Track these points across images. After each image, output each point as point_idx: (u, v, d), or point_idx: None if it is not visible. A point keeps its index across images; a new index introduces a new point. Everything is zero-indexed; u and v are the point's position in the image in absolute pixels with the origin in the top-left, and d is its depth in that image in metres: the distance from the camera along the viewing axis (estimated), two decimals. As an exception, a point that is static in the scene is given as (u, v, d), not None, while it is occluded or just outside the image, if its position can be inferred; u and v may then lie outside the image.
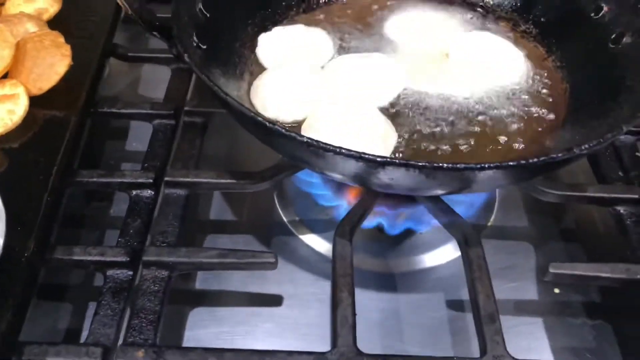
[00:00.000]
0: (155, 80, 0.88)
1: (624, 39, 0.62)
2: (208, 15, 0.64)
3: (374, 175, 0.50)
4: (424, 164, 0.46)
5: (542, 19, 0.73)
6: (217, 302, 0.66)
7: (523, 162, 0.45)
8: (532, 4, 0.74)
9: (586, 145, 0.47)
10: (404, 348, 0.60)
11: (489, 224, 0.74)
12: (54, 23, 0.78)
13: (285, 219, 0.74)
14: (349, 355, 0.50)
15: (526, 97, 0.66)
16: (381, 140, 0.60)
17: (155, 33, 0.57)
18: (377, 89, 0.66)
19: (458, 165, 0.47)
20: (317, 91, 0.65)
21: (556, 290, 0.67)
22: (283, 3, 0.76)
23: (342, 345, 0.50)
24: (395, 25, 0.76)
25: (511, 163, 0.46)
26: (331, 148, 0.48)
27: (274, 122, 0.51)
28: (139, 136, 0.81)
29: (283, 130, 0.50)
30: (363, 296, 0.61)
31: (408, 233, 0.70)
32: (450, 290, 0.67)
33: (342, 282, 0.55)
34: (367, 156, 0.45)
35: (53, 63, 0.70)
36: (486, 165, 0.46)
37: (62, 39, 0.72)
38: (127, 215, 0.63)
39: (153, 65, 0.84)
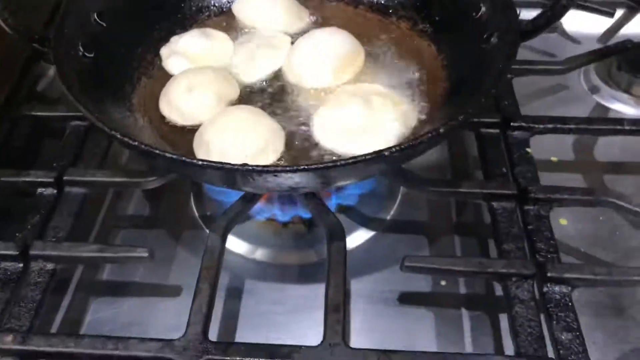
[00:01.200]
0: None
1: (492, 39, 0.63)
2: (104, 24, 0.68)
3: (238, 182, 0.54)
4: (274, 169, 0.50)
5: (436, 18, 0.74)
6: (121, 293, 0.71)
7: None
8: (429, 4, 0.75)
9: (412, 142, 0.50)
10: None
11: (389, 217, 0.76)
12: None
13: (196, 214, 0.78)
14: (194, 343, 0.53)
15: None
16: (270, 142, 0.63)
17: (34, 45, 0.62)
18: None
19: (303, 167, 0.50)
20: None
21: (442, 283, 0.69)
22: (192, 6, 0.80)
23: (191, 333, 0.54)
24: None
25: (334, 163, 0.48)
26: (189, 161, 0.51)
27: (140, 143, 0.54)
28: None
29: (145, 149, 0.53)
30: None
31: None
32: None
33: (206, 274, 0.58)
34: (223, 166, 0.49)
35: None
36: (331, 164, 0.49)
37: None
38: (28, 212, 0.68)
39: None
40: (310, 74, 0.69)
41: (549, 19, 0.59)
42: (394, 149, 0.50)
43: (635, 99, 0.88)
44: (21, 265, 0.62)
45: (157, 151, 0.52)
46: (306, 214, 0.71)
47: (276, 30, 0.77)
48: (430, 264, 0.59)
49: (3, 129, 0.75)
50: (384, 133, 0.62)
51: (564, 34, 1.00)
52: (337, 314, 0.54)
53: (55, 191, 0.69)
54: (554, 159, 0.81)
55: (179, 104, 0.67)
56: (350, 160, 0.50)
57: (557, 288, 0.57)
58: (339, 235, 0.61)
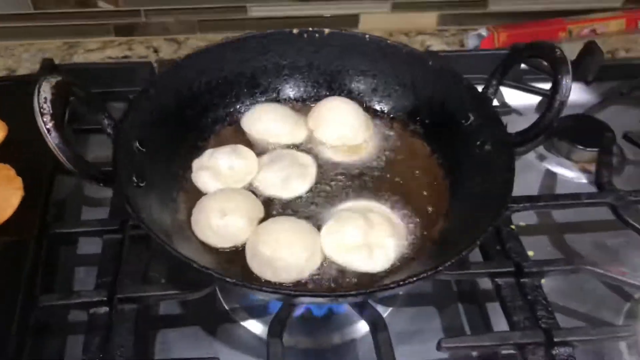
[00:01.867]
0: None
1: (485, 147, 0.77)
2: (144, 150, 0.75)
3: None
4: (327, 295, 0.60)
5: (426, 121, 0.88)
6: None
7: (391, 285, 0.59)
8: (418, 109, 0.89)
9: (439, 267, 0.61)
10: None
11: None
12: (1, 149, 0.87)
13: (226, 307, 0.85)
14: None
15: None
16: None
17: (100, 184, 0.68)
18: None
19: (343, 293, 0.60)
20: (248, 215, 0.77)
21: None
22: (209, 120, 0.88)
23: None
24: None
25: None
26: (247, 285, 0.60)
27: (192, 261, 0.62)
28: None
29: (205, 270, 0.61)
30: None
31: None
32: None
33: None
34: (280, 290, 0.58)
35: (7, 197, 0.79)
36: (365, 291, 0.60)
37: (12, 172, 0.81)
38: (87, 332, 0.72)
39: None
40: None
41: (537, 133, 0.73)
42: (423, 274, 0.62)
43: (575, 165, 1.06)
44: (95, 388, 0.67)
45: (234, 281, 0.60)
46: (341, 309, 0.80)
47: (284, 143, 0.87)
48: (463, 343, 0.71)
49: (43, 253, 0.79)
50: (384, 248, 0.74)
51: (504, 105, 1.16)
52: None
53: (107, 309, 0.74)
54: (522, 223, 0.97)
55: (215, 228, 0.75)
56: (390, 285, 0.61)
57: (562, 349, 0.71)
58: (381, 326, 0.71)
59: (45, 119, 0.62)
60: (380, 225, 0.74)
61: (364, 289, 0.62)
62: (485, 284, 0.87)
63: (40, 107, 0.62)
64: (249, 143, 0.88)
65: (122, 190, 0.65)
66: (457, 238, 0.72)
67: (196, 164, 0.82)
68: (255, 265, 0.72)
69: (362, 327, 0.81)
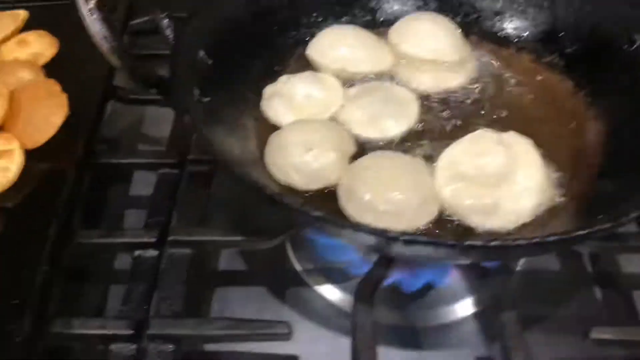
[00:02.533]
0: (159, 121, 0.85)
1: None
2: (210, 62, 0.60)
3: (395, 251, 0.46)
4: (456, 243, 0.42)
5: (568, 50, 0.68)
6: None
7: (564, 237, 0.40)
8: (557, 34, 0.69)
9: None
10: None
11: (518, 268, 0.69)
12: (50, 67, 0.75)
13: (298, 268, 0.70)
14: None
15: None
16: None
17: (152, 90, 0.53)
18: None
19: (494, 244, 0.42)
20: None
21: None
22: (290, 40, 0.72)
23: None
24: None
25: (552, 239, 0.41)
26: (347, 225, 0.43)
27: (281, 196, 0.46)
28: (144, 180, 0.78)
29: (296, 207, 0.45)
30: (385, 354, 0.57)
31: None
32: (476, 346, 0.63)
33: (366, 356, 0.50)
34: (389, 234, 0.41)
35: (49, 114, 0.66)
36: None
37: (58, 88, 0.69)
38: (130, 278, 0.59)
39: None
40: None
41: None
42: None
43: None
44: (135, 346, 0.53)
45: (323, 215, 0.43)
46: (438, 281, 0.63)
47: (363, 70, 0.70)
48: (621, 336, 0.51)
49: (84, 183, 0.65)
50: (527, 196, 0.54)
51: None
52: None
53: (156, 253, 0.60)
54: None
55: (298, 166, 0.58)
56: (551, 239, 0.42)
57: None
58: (507, 303, 0.53)
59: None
60: (527, 165, 0.54)
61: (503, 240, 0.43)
62: (633, 265, 0.67)
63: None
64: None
65: (180, 100, 0.49)
66: (613, 200, 0.52)
67: (269, 90, 0.66)
68: (352, 209, 0.55)
69: (461, 308, 0.64)
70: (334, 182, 0.58)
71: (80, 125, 0.68)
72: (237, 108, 0.63)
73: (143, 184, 0.77)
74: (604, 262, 0.68)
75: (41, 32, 0.77)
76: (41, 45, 0.76)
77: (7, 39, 0.77)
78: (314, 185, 0.58)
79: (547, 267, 0.69)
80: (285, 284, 0.69)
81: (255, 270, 0.70)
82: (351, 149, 0.61)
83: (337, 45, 0.71)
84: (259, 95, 0.67)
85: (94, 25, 0.47)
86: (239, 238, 0.59)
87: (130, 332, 0.53)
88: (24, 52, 0.74)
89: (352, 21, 0.75)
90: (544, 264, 0.69)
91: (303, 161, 0.58)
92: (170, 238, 0.60)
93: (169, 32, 0.56)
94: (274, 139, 0.61)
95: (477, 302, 0.62)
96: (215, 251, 0.69)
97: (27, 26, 0.80)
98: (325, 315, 0.66)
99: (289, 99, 0.65)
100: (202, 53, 0.59)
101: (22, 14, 0.80)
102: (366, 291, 0.54)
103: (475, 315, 0.64)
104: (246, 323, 0.53)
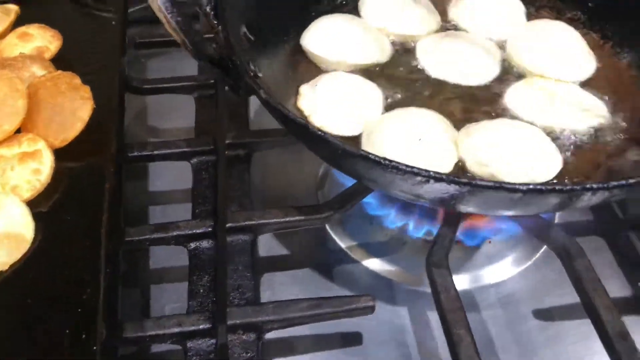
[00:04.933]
0: (169, 111, 0.82)
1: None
2: (253, 38, 0.58)
3: (465, 200, 0.45)
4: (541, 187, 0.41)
5: (590, 4, 0.69)
6: (292, 351, 0.60)
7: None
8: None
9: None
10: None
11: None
12: (57, 62, 0.70)
13: (341, 245, 0.69)
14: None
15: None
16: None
17: (215, 69, 0.50)
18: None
19: (574, 187, 0.42)
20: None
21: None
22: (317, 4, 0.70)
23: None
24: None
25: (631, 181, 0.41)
26: (425, 174, 0.42)
27: (364, 151, 0.45)
28: (160, 174, 0.75)
29: (371, 156, 0.43)
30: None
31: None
32: (527, 302, 0.64)
33: (454, 318, 0.50)
34: (473, 182, 0.40)
35: (74, 109, 0.62)
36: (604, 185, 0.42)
37: (78, 80, 0.64)
38: (190, 272, 0.56)
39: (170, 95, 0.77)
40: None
41: None
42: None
43: None
44: (213, 341, 0.51)
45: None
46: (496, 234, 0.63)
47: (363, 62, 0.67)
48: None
49: (122, 178, 0.62)
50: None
51: None
52: (625, 341, 0.48)
53: (212, 242, 0.58)
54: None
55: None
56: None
57: None
58: (577, 251, 0.54)
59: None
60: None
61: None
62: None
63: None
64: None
65: (246, 72, 0.47)
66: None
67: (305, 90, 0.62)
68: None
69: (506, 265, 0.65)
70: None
71: (107, 117, 0.64)
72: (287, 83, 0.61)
73: (167, 179, 0.74)
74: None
75: (41, 25, 0.72)
76: (44, 39, 0.70)
77: (2, 34, 0.71)
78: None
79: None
80: (330, 263, 0.68)
81: (297, 253, 0.69)
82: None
83: (334, 36, 0.66)
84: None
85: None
86: (300, 217, 0.58)
87: (208, 325, 0.51)
88: (27, 46, 0.69)
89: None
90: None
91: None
92: (229, 225, 0.57)
93: (209, 9, 0.53)
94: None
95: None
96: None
97: (19, 22, 0.74)
98: (376, 288, 0.65)
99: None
100: (243, 29, 0.57)
101: (13, 8, 0.74)
102: (440, 253, 0.54)
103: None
104: (329, 300, 0.52)
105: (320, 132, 0.43)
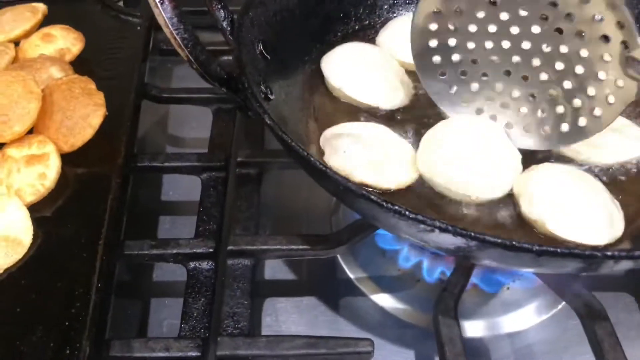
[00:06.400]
0: (191, 120, 0.80)
1: None
2: (269, 57, 0.55)
3: (473, 253, 0.41)
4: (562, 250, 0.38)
5: None
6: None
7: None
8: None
9: None
10: None
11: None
12: (77, 64, 0.69)
13: (351, 276, 0.66)
14: None
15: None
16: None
17: (223, 89, 0.48)
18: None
19: (594, 253, 0.38)
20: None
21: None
22: (338, 34, 0.68)
23: None
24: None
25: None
26: (430, 223, 0.38)
27: (366, 190, 0.42)
28: (174, 184, 0.73)
29: (381, 202, 0.41)
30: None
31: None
32: (544, 357, 0.60)
33: (457, 372, 0.46)
34: (484, 237, 0.37)
35: (86, 115, 0.61)
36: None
37: (93, 86, 0.63)
38: (186, 293, 0.54)
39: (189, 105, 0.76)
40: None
41: None
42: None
43: None
44: (202, 370, 0.48)
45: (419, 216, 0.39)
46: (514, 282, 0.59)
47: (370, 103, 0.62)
48: None
49: (128, 189, 0.60)
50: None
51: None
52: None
53: (213, 264, 0.56)
54: None
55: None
56: None
57: None
58: (599, 314, 0.50)
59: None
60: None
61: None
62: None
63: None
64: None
65: (254, 99, 0.45)
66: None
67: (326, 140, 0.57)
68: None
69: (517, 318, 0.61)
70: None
71: (119, 126, 0.63)
72: (302, 105, 0.59)
73: (181, 189, 0.73)
74: None
75: (65, 26, 0.72)
76: (67, 41, 0.70)
77: (28, 33, 0.71)
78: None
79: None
80: (338, 294, 0.65)
81: (303, 279, 0.66)
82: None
83: (346, 63, 0.62)
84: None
85: (165, 14, 0.42)
86: (304, 247, 0.55)
87: (197, 354, 0.48)
88: (49, 47, 0.69)
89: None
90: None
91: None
92: (230, 248, 0.55)
93: (225, 25, 0.51)
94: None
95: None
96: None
97: (46, 21, 0.74)
98: (384, 325, 0.62)
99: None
100: (260, 47, 0.55)
101: (41, 8, 0.74)
102: (449, 302, 0.51)
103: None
104: (326, 341, 0.49)
105: (321, 165, 0.40)
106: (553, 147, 0.54)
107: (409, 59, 0.57)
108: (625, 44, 0.48)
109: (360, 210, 0.44)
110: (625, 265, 0.37)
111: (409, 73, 0.64)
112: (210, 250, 0.55)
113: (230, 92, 0.48)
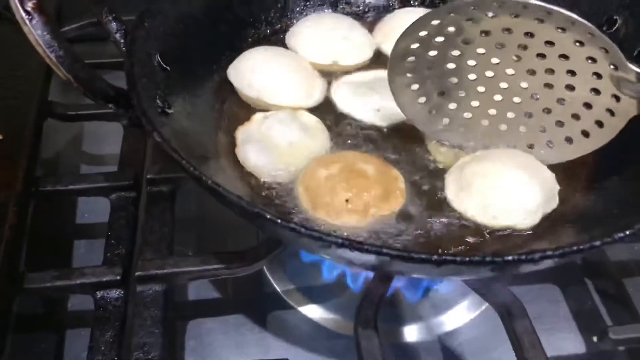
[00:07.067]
0: (108, 136, 0.76)
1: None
2: (169, 68, 0.53)
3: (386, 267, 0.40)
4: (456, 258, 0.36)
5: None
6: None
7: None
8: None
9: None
10: None
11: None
12: (-29, 85, 0.65)
13: (278, 289, 0.64)
14: None
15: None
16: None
17: (110, 105, 0.45)
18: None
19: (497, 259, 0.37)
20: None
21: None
22: (248, 40, 0.66)
23: None
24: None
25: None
26: (327, 239, 0.37)
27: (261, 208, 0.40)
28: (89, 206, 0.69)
29: (268, 216, 0.38)
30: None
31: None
32: (480, 355, 0.59)
33: (377, 386, 0.45)
34: (381, 250, 0.35)
35: (-23, 140, 0.57)
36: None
37: (-15, 109, 0.59)
38: (94, 325, 0.51)
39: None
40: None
41: None
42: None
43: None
44: (108, 407, 0.45)
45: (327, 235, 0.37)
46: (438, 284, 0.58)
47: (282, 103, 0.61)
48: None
49: (28, 216, 0.56)
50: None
51: None
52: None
53: (121, 292, 0.52)
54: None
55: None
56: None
57: None
58: (519, 312, 0.49)
59: (22, -4, 0.39)
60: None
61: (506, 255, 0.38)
62: (619, 253, 0.66)
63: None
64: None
65: (143, 111, 0.42)
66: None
67: (242, 133, 0.57)
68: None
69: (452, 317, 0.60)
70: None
71: (17, 149, 0.59)
72: (207, 116, 0.56)
73: (92, 211, 0.69)
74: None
75: (-45, 44, 0.67)
76: (-43, 60, 0.65)
77: None
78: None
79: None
80: (265, 309, 0.63)
81: (229, 297, 0.64)
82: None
83: (258, 71, 0.60)
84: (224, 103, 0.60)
85: (35, 31, 0.38)
86: (218, 266, 0.52)
87: (103, 391, 0.45)
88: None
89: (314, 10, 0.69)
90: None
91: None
92: (138, 274, 0.52)
93: (118, 37, 0.48)
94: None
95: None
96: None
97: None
98: (314, 338, 0.60)
99: (267, 145, 0.56)
100: (157, 59, 0.52)
101: None
102: (369, 312, 0.49)
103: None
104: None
105: (212, 183, 0.38)
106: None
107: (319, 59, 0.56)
108: (615, 66, 0.49)
109: (261, 228, 0.42)
110: (528, 268, 0.36)
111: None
112: (118, 277, 0.52)
113: (119, 109, 0.45)
